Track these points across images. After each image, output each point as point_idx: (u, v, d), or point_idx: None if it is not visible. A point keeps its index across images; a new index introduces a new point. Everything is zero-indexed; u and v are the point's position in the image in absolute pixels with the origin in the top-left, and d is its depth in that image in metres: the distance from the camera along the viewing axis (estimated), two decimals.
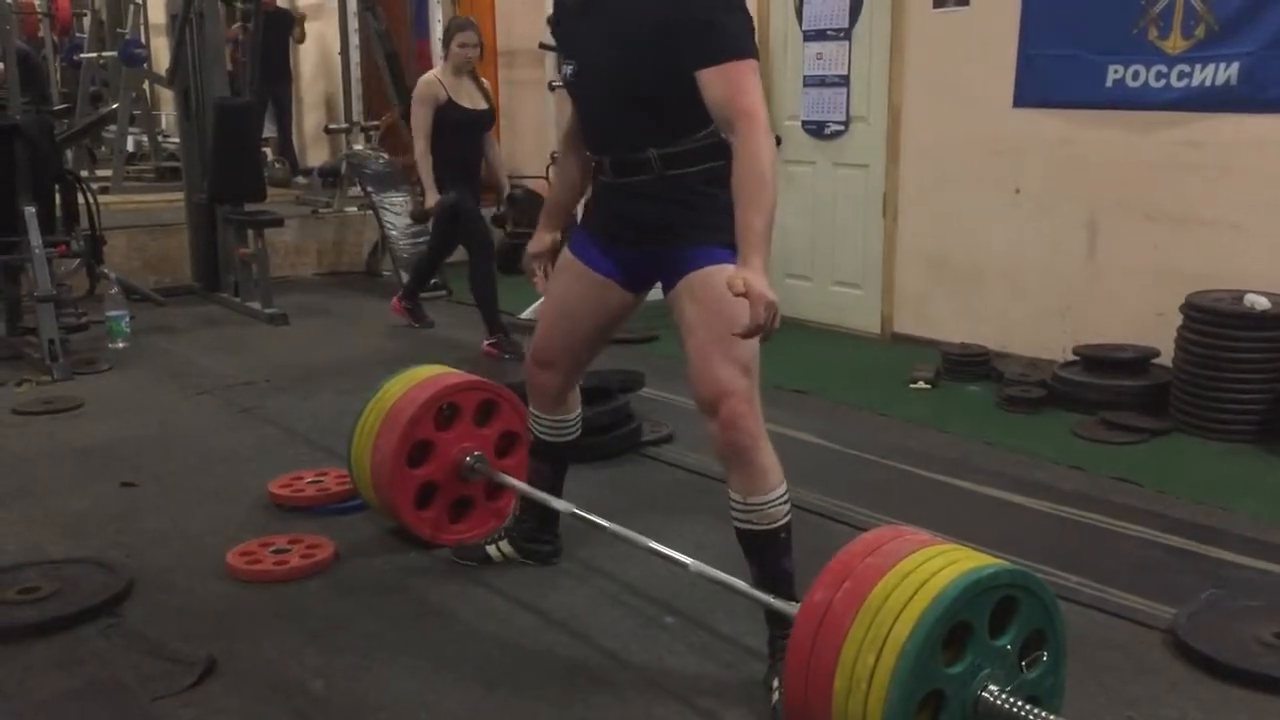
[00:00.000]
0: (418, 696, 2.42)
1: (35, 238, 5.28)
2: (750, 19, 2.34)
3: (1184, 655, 2.57)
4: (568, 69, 2.53)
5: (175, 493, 3.65)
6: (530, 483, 3.01)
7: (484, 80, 5.87)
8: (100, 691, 2.44)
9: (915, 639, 1.77)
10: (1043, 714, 1.83)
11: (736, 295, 2.10)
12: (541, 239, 2.87)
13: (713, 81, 2.24)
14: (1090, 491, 3.67)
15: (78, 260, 5.87)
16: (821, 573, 1.97)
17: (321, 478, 3.63)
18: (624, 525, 2.72)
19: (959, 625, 1.83)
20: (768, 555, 2.42)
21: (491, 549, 3.09)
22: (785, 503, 2.42)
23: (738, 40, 2.26)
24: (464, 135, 5.57)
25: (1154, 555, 3.18)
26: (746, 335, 2.15)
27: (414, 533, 3.15)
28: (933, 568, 1.87)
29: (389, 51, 8.17)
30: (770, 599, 2.35)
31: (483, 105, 5.69)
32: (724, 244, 2.33)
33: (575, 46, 2.52)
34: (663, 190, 2.43)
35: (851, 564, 1.94)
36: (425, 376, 3.17)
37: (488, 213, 6.01)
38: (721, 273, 2.28)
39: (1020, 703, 1.85)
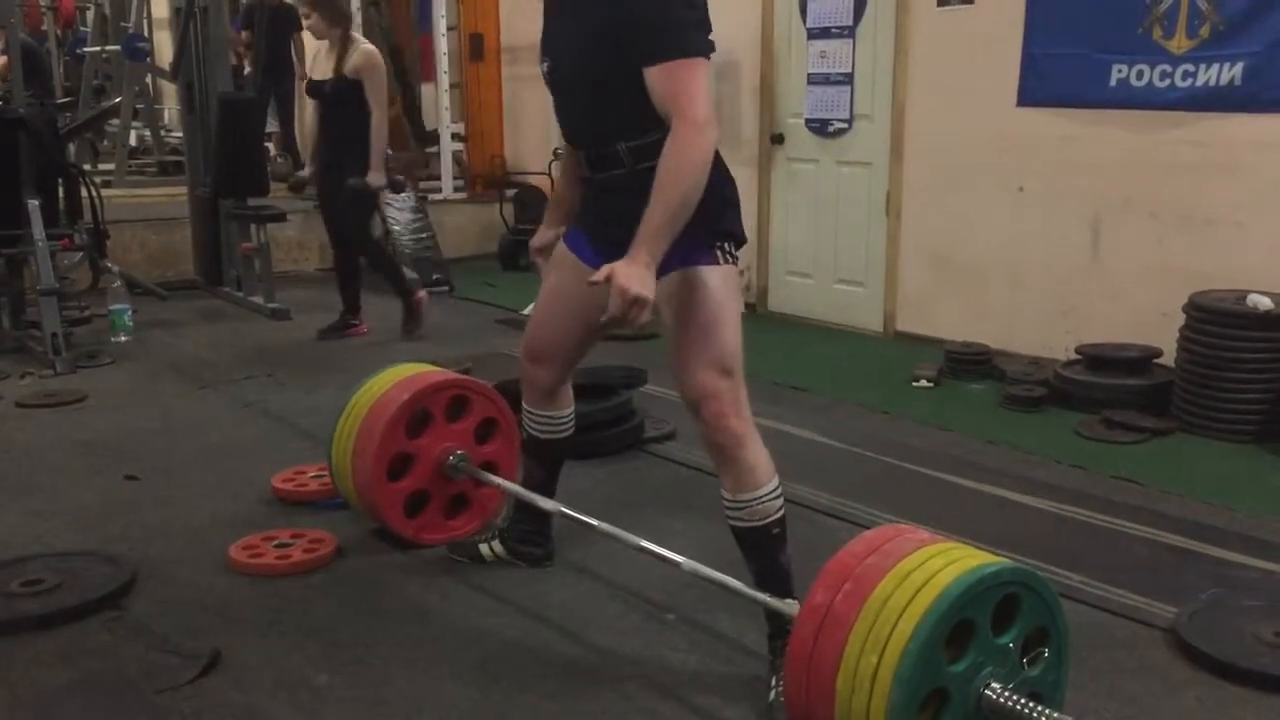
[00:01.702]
0: (420, 691, 2.43)
1: (39, 231, 5.28)
2: (703, 14, 2.28)
3: (1185, 654, 2.58)
4: (544, 66, 2.54)
5: (178, 486, 3.66)
6: (523, 482, 2.97)
7: (361, 46, 5.44)
8: (103, 684, 2.45)
9: (918, 638, 1.77)
10: (1045, 711, 1.83)
11: (590, 285, 2.16)
12: (544, 233, 2.87)
13: (656, 80, 2.23)
14: (1092, 490, 3.67)
15: (81, 254, 5.88)
16: (821, 573, 1.96)
17: (324, 472, 3.61)
18: (627, 522, 2.71)
19: (961, 623, 1.83)
20: (762, 551, 2.43)
21: (484, 547, 3.08)
22: (776, 499, 2.41)
23: (682, 37, 2.23)
24: (319, 109, 5.57)
25: (1156, 554, 3.18)
26: (607, 322, 2.18)
27: (416, 543, 3.13)
28: (934, 567, 1.86)
29: (392, 46, 8.19)
30: (767, 598, 2.34)
31: (319, 76, 5.44)
32: (698, 242, 2.33)
33: (550, 44, 2.54)
34: (634, 184, 2.39)
35: (852, 565, 1.93)
36: (386, 387, 3.07)
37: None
38: (694, 274, 2.32)
39: (1023, 700, 1.85)
